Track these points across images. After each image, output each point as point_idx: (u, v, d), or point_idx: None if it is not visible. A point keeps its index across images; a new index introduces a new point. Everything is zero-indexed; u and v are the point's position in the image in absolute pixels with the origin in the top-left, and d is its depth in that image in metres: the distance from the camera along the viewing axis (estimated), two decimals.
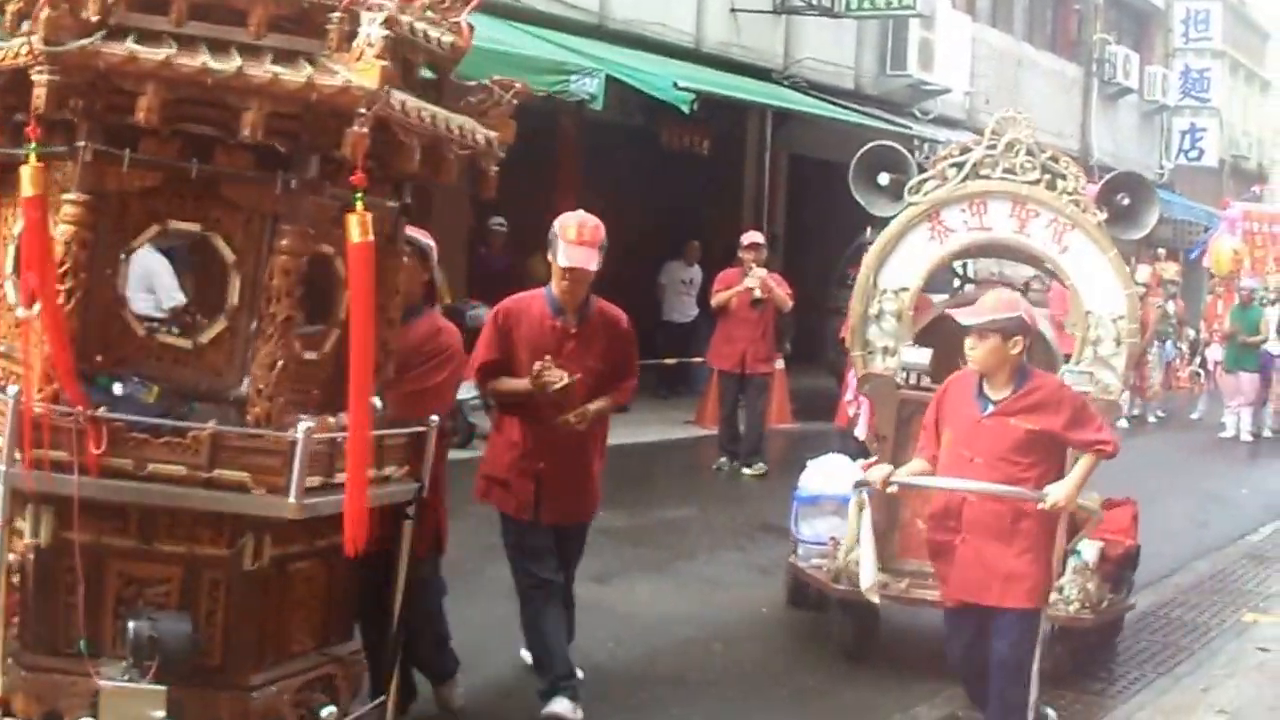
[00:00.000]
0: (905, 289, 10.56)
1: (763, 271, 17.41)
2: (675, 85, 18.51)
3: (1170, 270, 31.13)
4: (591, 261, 8.39)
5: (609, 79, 17.47)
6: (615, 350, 8.73)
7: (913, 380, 10.19)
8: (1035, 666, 7.88)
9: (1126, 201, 10.53)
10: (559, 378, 8.09)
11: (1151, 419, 28.14)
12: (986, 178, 10.43)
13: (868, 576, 8.31)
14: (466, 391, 14.69)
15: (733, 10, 23.52)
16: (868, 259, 10.78)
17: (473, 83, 6.92)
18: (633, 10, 21.59)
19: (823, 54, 25.89)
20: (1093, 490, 9.74)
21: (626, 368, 8.81)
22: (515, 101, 7.10)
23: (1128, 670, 10.53)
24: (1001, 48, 33.91)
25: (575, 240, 8.44)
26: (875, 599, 8.71)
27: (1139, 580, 11.58)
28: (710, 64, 22.60)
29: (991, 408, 7.89)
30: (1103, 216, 10.24)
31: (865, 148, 11.17)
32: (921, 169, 10.93)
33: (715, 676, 9.82)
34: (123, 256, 5.87)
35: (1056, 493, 7.67)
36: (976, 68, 31.84)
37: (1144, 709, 9.63)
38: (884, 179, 10.79)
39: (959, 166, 10.50)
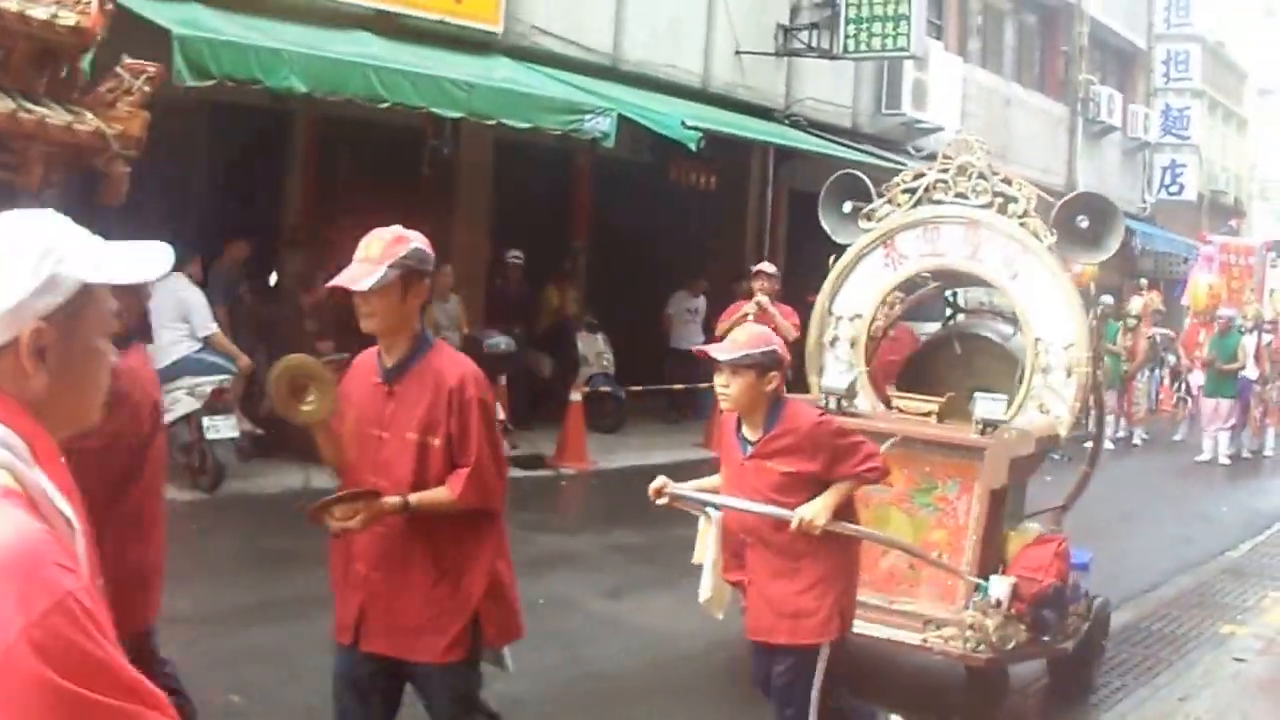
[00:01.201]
0: (859, 315, 10.24)
1: (765, 299, 17.36)
2: (683, 124, 18.52)
3: (1156, 301, 31.04)
4: (363, 280, 5.94)
5: (620, 117, 17.48)
6: (446, 419, 5.95)
7: (833, 405, 9.36)
8: (814, 694, 7.12)
9: (1085, 224, 9.76)
10: (339, 520, 5.87)
11: (1136, 441, 28.08)
12: (939, 202, 10.00)
13: (704, 591, 7.72)
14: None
15: (738, 52, 23.52)
16: (825, 285, 10.43)
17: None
18: (644, 52, 21.61)
19: (822, 94, 25.90)
20: (1033, 522, 9.91)
21: (463, 446, 5.94)
22: (148, 89, 6.14)
23: (1109, 680, 10.56)
24: (991, 87, 33.89)
25: (356, 256, 6.10)
26: (718, 615, 7.98)
27: (1126, 593, 11.59)
28: (716, 103, 22.60)
29: (750, 449, 7.15)
30: (1052, 240, 9.60)
31: (832, 177, 10.88)
32: (881, 196, 10.41)
33: (721, 689, 9.79)
34: None
35: (805, 511, 6.86)
36: (967, 106, 31.82)
37: (1124, 718, 9.65)
38: (848, 207, 10.43)
39: (911, 192, 10.12)
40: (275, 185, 19.23)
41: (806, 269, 28.23)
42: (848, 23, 23.82)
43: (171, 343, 14.46)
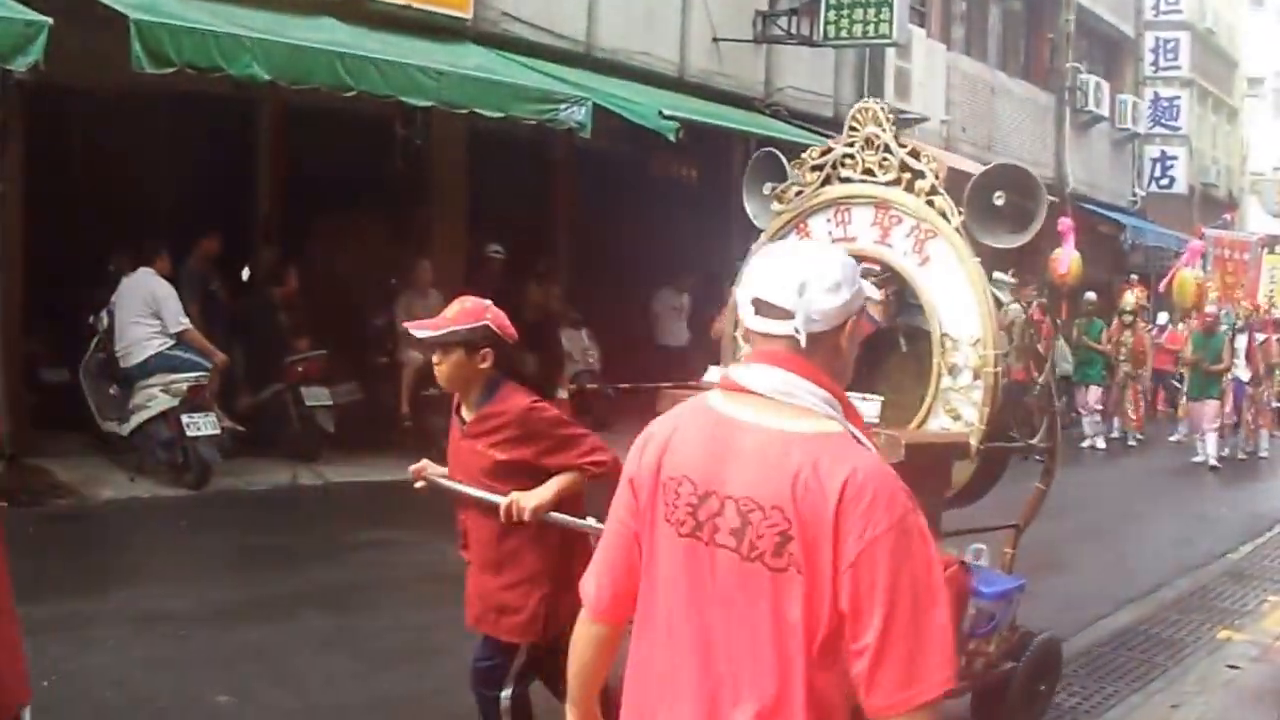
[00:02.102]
0: None
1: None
2: (660, 114, 18.44)
3: (1139, 296, 30.80)
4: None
5: (595, 106, 17.39)
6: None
7: None
8: (505, 696, 6.95)
9: (1002, 201, 8.59)
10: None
11: (1131, 443, 28.19)
12: (847, 180, 9.13)
13: None
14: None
15: (715, 40, 23.45)
16: (740, 275, 9.74)
17: None
18: (618, 40, 21.56)
19: (803, 83, 25.87)
20: (977, 543, 9.34)
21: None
22: None
23: (1102, 686, 10.56)
24: (976, 76, 33.90)
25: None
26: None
27: (1122, 596, 11.53)
28: (694, 93, 22.55)
29: (465, 428, 6.87)
30: (959, 219, 8.57)
31: (754, 157, 10.04)
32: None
33: None
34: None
35: (518, 497, 6.49)
36: (951, 95, 31.87)
37: None
38: (768, 189, 9.58)
39: (819, 169, 9.24)
40: (243, 178, 19.16)
41: None
42: (828, 9, 23.70)
43: (144, 338, 14.48)
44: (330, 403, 16.75)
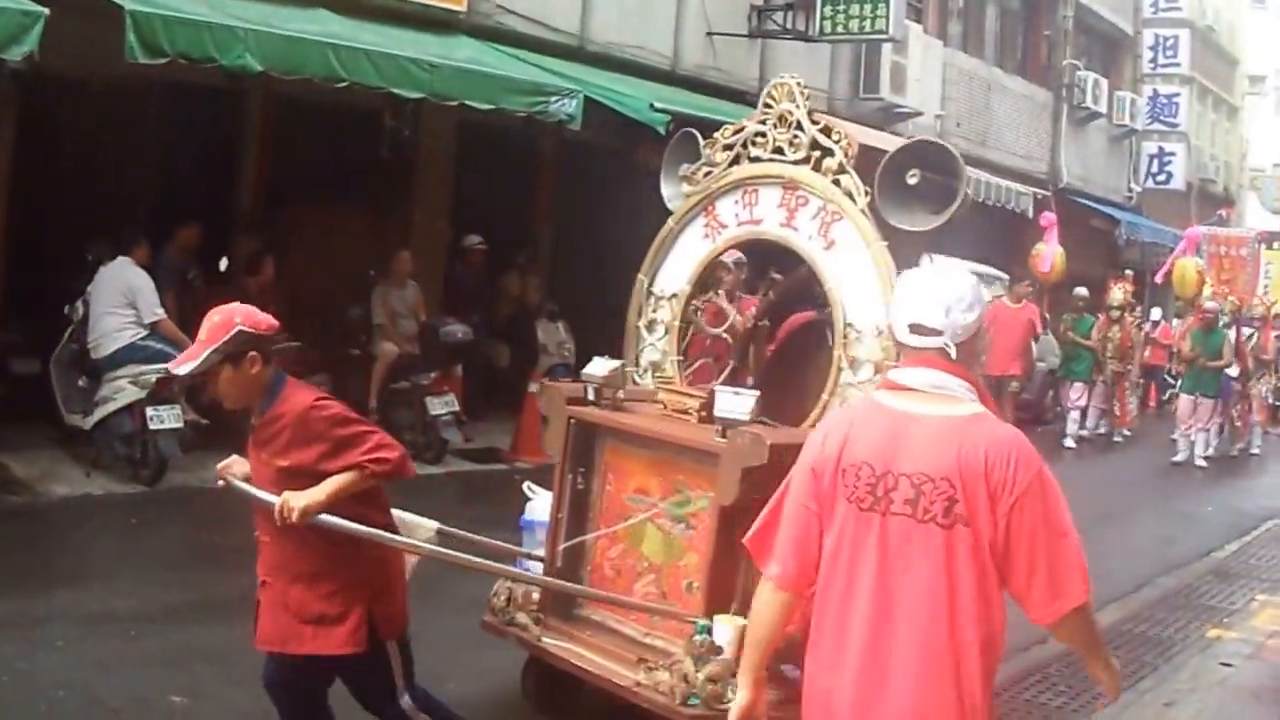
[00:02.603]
0: (675, 295, 9.23)
1: (721, 295, 17.33)
2: (652, 106, 18.52)
3: (1117, 295, 29.78)
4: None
5: (587, 100, 17.47)
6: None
7: (591, 395, 8.50)
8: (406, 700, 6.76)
9: (916, 180, 8.09)
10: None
11: (1118, 439, 28.12)
12: (757, 160, 8.76)
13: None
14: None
15: (709, 34, 23.48)
16: (645, 262, 9.45)
17: None
18: (612, 33, 21.60)
19: (797, 77, 25.82)
20: None
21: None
22: None
23: (1089, 685, 10.24)
24: (972, 72, 33.88)
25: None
26: None
27: (1105, 595, 11.58)
28: (687, 86, 22.58)
29: (253, 436, 6.69)
30: (866, 200, 8.13)
31: (673, 138, 9.76)
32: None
33: None
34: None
35: (291, 498, 6.29)
36: (948, 91, 31.86)
37: None
38: (685, 169, 9.26)
39: (730, 148, 8.94)
40: (228, 168, 19.16)
41: (781, 257, 28.46)
42: (824, 3, 23.68)
43: (117, 329, 14.38)
44: None
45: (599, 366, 8.60)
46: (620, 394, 8.59)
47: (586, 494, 8.56)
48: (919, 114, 29.18)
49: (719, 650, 7.38)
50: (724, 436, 7.69)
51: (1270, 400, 30.26)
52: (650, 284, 9.32)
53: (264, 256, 17.03)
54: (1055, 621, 4.72)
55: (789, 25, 24.15)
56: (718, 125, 22.66)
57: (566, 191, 23.89)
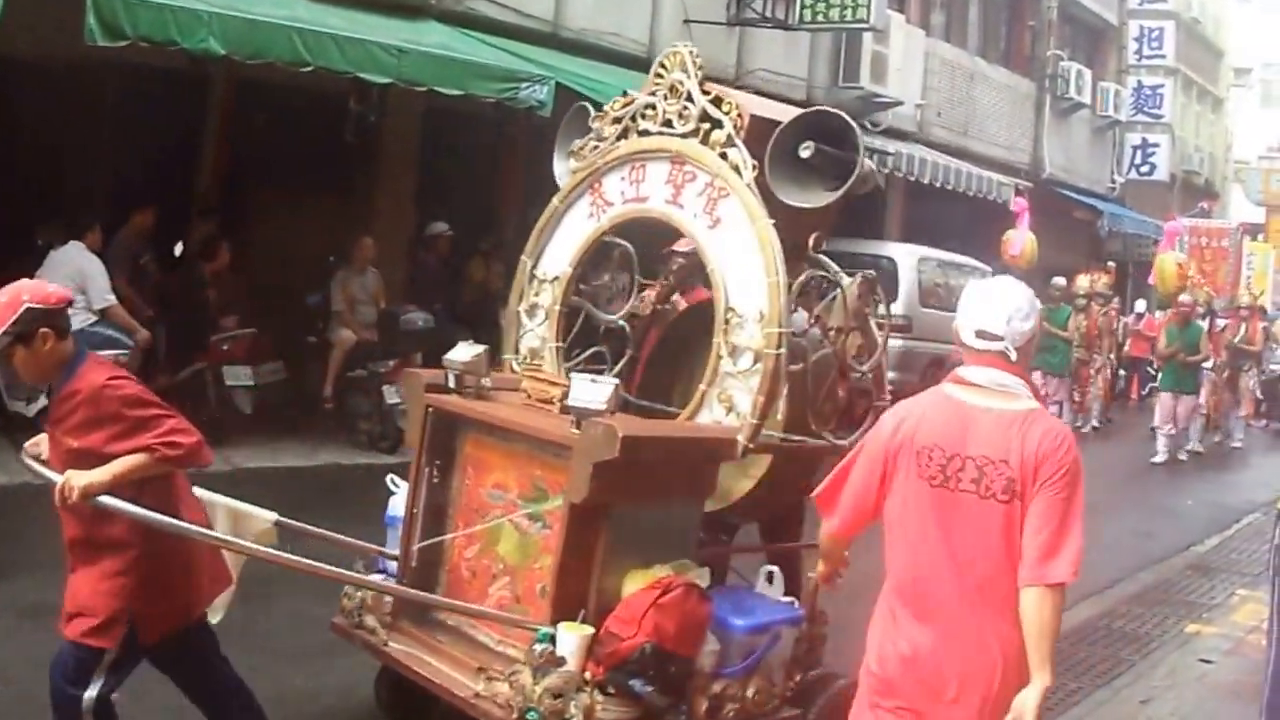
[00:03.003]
0: (558, 278, 8.65)
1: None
2: (625, 94, 18.38)
3: (1101, 281, 30.05)
4: None
5: (559, 87, 17.35)
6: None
7: (452, 383, 7.96)
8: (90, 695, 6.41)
9: (810, 153, 7.63)
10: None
11: (1086, 429, 27.67)
12: (646, 133, 8.27)
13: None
14: (394, 396, 14.59)
15: (686, 21, 23.37)
16: (529, 242, 8.91)
17: None
18: (586, 20, 21.50)
19: (775, 65, 25.81)
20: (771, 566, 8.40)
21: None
22: None
23: (1065, 682, 10.36)
24: (954, 62, 33.89)
25: None
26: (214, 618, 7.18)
27: (1080, 590, 11.49)
28: None
29: (50, 415, 6.57)
30: (752, 174, 7.61)
31: (567, 114, 9.24)
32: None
33: None
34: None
35: (73, 476, 6.15)
36: (929, 81, 31.85)
37: None
38: (578, 144, 8.82)
39: (619, 121, 8.48)
40: (189, 152, 19.06)
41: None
42: None
43: None
44: (251, 383, 16.44)
45: (461, 352, 8.10)
46: (486, 381, 8.05)
47: (445, 489, 8.05)
48: (899, 104, 29.15)
49: (562, 661, 6.82)
50: (578, 428, 7.11)
51: (1256, 393, 30.20)
52: (533, 266, 8.80)
53: (219, 241, 16.89)
54: (1036, 584, 5.38)
55: (768, 13, 24.09)
56: None
57: (534, 179, 23.74)
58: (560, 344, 8.62)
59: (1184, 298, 26.45)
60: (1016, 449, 5.53)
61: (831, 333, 8.05)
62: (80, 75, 16.06)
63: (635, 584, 7.05)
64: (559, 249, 8.73)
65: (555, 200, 8.77)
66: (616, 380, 7.48)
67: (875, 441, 5.91)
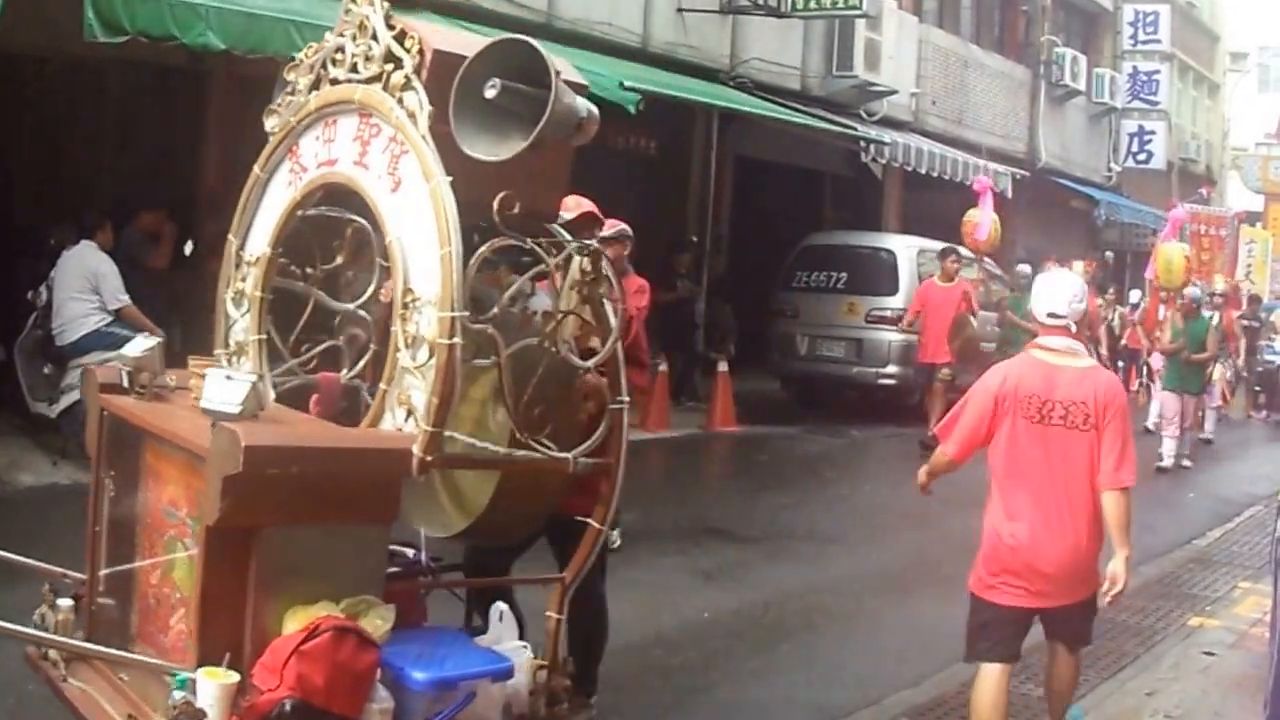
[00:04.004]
0: (258, 259, 7.28)
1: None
2: (621, 85, 18.55)
3: (1077, 270, 28.68)
4: None
5: None
6: None
7: (126, 382, 6.87)
8: None
9: (496, 92, 6.09)
10: None
11: None
12: (335, 81, 6.87)
13: None
14: None
15: (679, 10, 23.52)
16: (235, 219, 7.55)
17: None
18: (580, 10, 21.60)
19: (769, 54, 25.94)
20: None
21: None
22: None
23: None
24: (948, 49, 33.96)
25: None
26: None
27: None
28: (657, 64, 22.62)
29: None
30: (427, 122, 6.20)
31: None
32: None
33: (654, 683, 9.84)
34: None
35: None
36: (923, 69, 31.93)
37: (1087, 714, 9.69)
38: (276, 101, 7.32)
39: (312, 70, 7.06)
40: (190, 150, 19.10)
41: (754, 237, 28.59)
42: None
43: (81, 315, 14.35)
44: None
45: (135, 345, 7.14)
46: (169, 379, 7.05)
47: (131, 504, 6.91)
48: (893, 92, 29.27)
49: (201, 714, 5.64)
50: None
51: (1227, 383, 29.84)
52: (240, 247, 7.45)
53: (225, 239, 16.93)
54: (1112, 489, 7.77)
55: (761, 1, 24.17)
56: (689, 103, 22.87)
57: None
58: (261, 336, 7.27)
59: (1190, 291, 24.30)
60: (1090, 393, 7.88)
61: (537, 317, 6.70)
62: (81, 72, 16.19)
63: (295, 623, 5.87)
64: (262, 225, 7.40)
65: (256, 167, 7.40)
66: (253, 376, 6.46)
67: (984, 391, 8.15)
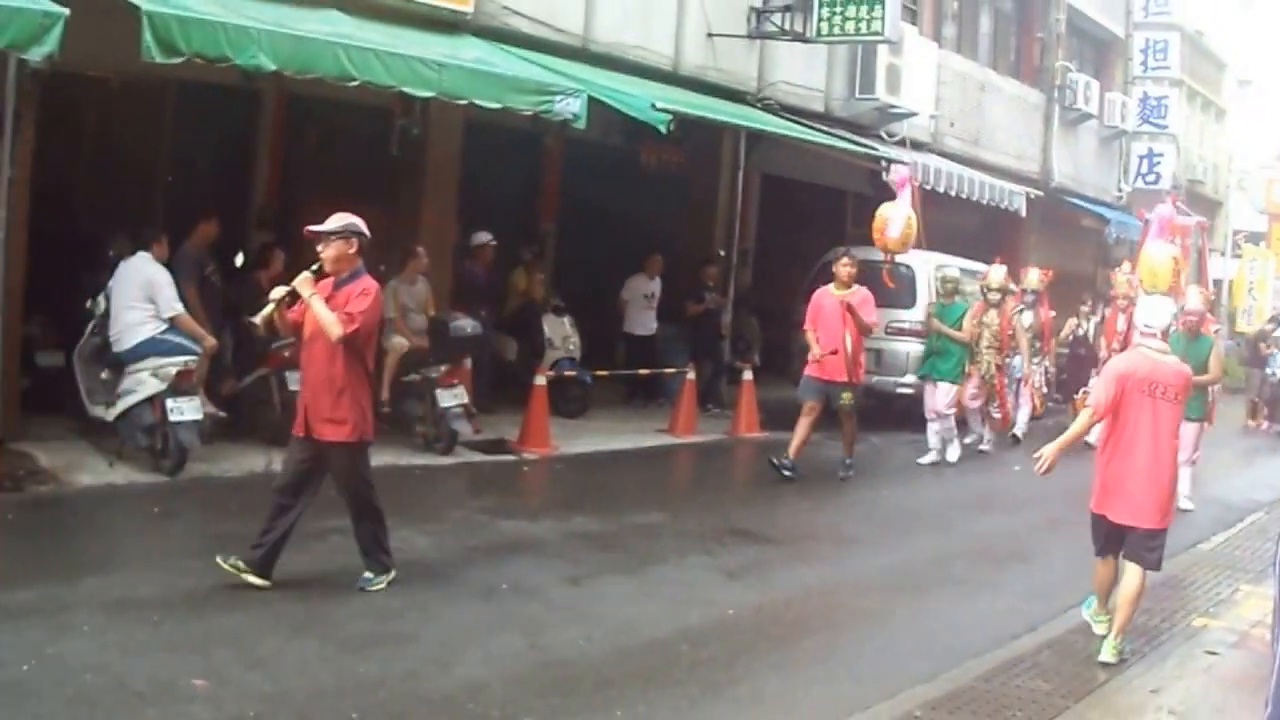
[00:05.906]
0: None
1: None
2: (653, 106, 18.55)
3: (1033, 277, 26.44)
4: None
5: (590, 99, 17.51)
6: None
7: None
8: None
9: None
10: None
11: (985, 448, 23.57)
12: None
13: None
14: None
15: (710, 35, 23.51)
16: None
17: None
18: (614, 34, 21.61)
19: (795, 77, 25.92)
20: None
21: None
22: None
23: (1080, 671, 10.61)
24: (966, 73, 33.91)
25: None
26: None
27: (1091, 586, 11.64)
28: (688, 86, 22.61)
29: None
30: None
31: None
32: None
33: (680, 676, 9.85)
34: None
35: None
36: (942, 92, 31.86)
37: (1095, 709, 9.70)
38: None
39: None
40: (242, 165, 19.22)
41: (779, 252, 28.64)
42: (821, 5, 23.69)
43: (137, 323, 14.44)
44: None
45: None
46: None
47: None
48: (914, 114, 29.23)
49: None
50: None
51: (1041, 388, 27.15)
52: None
53: (274, 250, 17.01)
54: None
55: (787, 26, 24.14)
56: (717, 124, 22.97)
57: (570, 189, 24.00)
58: None
59: (1192, 304, 18.70)
60: (1178, 377, 10.96)
61: None
62: (138, 91, 16.27)
63: None
64: None
65: None
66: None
67: (1117, 373, 10.95)
